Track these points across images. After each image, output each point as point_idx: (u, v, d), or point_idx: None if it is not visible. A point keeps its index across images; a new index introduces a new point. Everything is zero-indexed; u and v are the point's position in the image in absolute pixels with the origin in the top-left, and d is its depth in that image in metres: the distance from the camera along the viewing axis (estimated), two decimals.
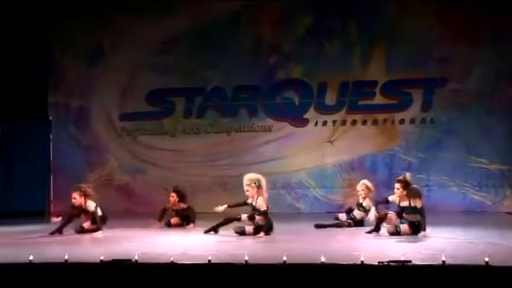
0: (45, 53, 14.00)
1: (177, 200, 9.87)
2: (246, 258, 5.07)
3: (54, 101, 14.30)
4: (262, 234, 8.11)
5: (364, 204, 9.43)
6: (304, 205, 13.13)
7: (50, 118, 14.20)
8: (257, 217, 8.35)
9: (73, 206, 8.85)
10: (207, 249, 6.49)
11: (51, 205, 13.21)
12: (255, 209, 8.39)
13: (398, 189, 8.19)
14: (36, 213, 12.67)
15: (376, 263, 4.97)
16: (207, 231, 8.61)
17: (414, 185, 8.33)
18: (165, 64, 13.96)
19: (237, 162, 13.38)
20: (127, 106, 14.21)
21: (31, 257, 5.36)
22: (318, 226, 9.30)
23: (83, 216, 8.94)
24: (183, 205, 9.87)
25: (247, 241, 7.62)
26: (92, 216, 8.91)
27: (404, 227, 8.00)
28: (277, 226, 9.80)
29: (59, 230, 8.69)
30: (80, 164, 13.73)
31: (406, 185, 8.18)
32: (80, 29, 14.26)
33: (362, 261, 4.94)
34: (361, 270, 4.90)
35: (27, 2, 12.97)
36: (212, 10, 13.78)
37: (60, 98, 14.33)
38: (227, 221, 8.62)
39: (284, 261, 4.99)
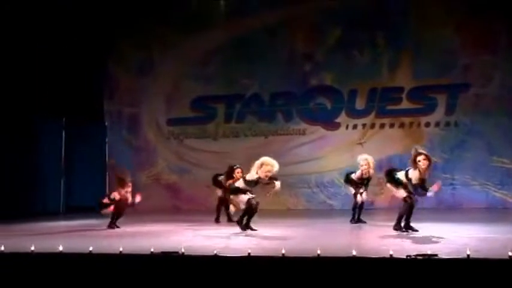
0: (101, 66, 14.29)
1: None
2: (283, 251, 5.05)
3: (109, 108, 14.57)
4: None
5: (367, 177, 9.03)
6: (336, 202, 13.04)
7: (106, 124, 14.48)
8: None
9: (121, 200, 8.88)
10: (246, 243, 6.49)
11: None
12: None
13: (424, 159, 7.28)
14: (94, 209, 12.88)
15: (405, 257, 4.89)
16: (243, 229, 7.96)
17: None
18: (207, 73, 14.08)
19: None
20: (173, 112, 14.37)
21: (91, 248, 5.45)
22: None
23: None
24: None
25: (284, 235, 7.59)
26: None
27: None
28: (311, 222, 9.78)
29: (114, 224, 8.84)
30: (132, 164, 13.92)
31: (427, 156, 7.37)
32: (130, 44, 14.52)
33: (391, 255, 4.86)
34: (391, 263, 4.83)
35: (83, 24, 13.25)
36: (250, 24, 13.84)
37: (114, 106, 14.59)
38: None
39: (318, 255, 4.94)
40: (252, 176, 7.81)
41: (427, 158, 7.37)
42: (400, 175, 7.61)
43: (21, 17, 11.97)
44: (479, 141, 12.44)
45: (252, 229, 7.91)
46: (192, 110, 14.27)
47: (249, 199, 7.83)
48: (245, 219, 7.96)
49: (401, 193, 7.54)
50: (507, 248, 4.98)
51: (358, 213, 9.17)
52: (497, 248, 5.73)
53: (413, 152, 7.50)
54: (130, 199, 8.85)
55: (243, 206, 7.93)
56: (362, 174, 9.01)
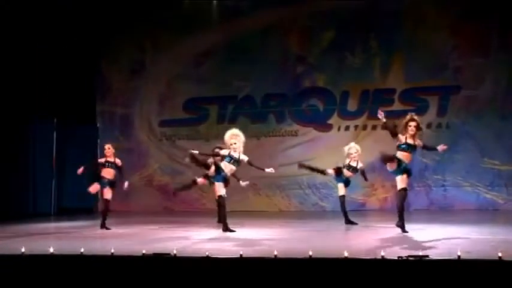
0: (93, 67, 14.24)
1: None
2: (275, 252, 5.06)
3: (101, 109, 14.52)
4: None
5: (354, 164, 9.31)
6: (328, 204, 13.04)
7: (98, 125, 14.41)
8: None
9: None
10: (238, 244, 6.50)
11: (98, 203, 13.42)
12: (238, 162, 8.13)
13: (415, 126, 7.59)
14: (85, 210, 12.85)
15: (396, 258, 4.91)
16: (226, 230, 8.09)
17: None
18: (200, 75, 14.07)
19: (265, 165, 13.34)
20: (166, 113, 14.34)
21: (82, 250, 5.44)
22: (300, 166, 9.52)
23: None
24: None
25: (276, 237, 7.60)
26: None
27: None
28: (303, 223, 9.80)
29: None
30: (124, 166, 13.85)
31: (418, 124, 7.65)
32: (123, 45, 14.48)
33: (383, 256, 4.88)
34: (382, 264, 4.85)
35: (76, 25, 13.21)
36: (243, 25, 13.84)
37: (107, 107, 14.54)
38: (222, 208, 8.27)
39: (310, 256, 4.96)
40: (224, 152, 8.17)
41: (418, 126, 7.64)
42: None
43: (13, 18, 11.91)
44: (471, 142, 12.49)
45: (230, 230, 8.00)
46: (185, 111, 14.25)
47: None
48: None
49: (401, 181, 7.57)
50: (497, 249, 5.02)
51: (344, 214, 9.25)
52: (488, 249, 5.77)
53: (408, 116, 7.75)
54: (111, 157, 9.10)
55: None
56: (350, 161, 9.30)
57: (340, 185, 9.36)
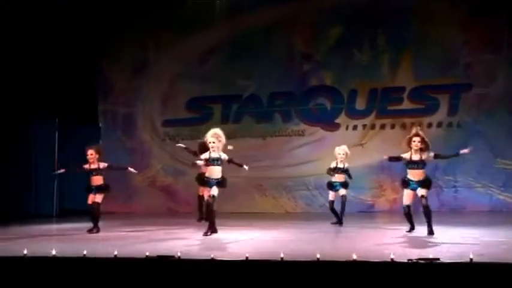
0: (95, 66, 14.27)
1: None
2: (282, 255, 5.04)
3: (103, 109, 14.55)
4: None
5: (342, 166, 9.52)
6: (336, 205, 12.98)
7: (100, 125, 14.43)
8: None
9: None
10: (244, 246, 6.49)
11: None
12: (220, 160, 8.02)
13: (419, 141, 7.63)
14: (86, 212, 12.85)
15: (406, 261, 4.89)
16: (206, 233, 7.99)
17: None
18: (204, 73, 14.06)
19: (271, 165, 13.37)
20: (169, 113, 14.36)
21: (85, 252, 5.44)
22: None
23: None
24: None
25: (283, 239, 7.59)
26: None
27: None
28: (310, 225, 9.79)
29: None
30: (112, 165, 13.86)
31: (423, 138, 7.68)
32: (125, 44, 14.51)
33: (392, 259, 4.86)
34: (392, 267, 4.83)
35: (77, 24, 13.24)
36: (247, 23, 13.83)
37: (109, 106, 14.57)
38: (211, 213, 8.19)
39: (318, 259, 4.94)
40: (205, 155, 8.09)
41: (423, 141, 7.65)
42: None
43: (15, 18, 11.96)
44: (483, 142, 12.40)
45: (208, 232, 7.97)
46: (188, 111, 14.24)
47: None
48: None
49: (422, 191, 7.67)
50: (511, 252, 4.98)
51: (340, 213, 9.49)
52: (501, 252, 5.73)
53: (413, 131, 7.80)
54: (95, 163, 8.98)
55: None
56: (337, 163, 9.48)
57: (341, 190, 9.61)
